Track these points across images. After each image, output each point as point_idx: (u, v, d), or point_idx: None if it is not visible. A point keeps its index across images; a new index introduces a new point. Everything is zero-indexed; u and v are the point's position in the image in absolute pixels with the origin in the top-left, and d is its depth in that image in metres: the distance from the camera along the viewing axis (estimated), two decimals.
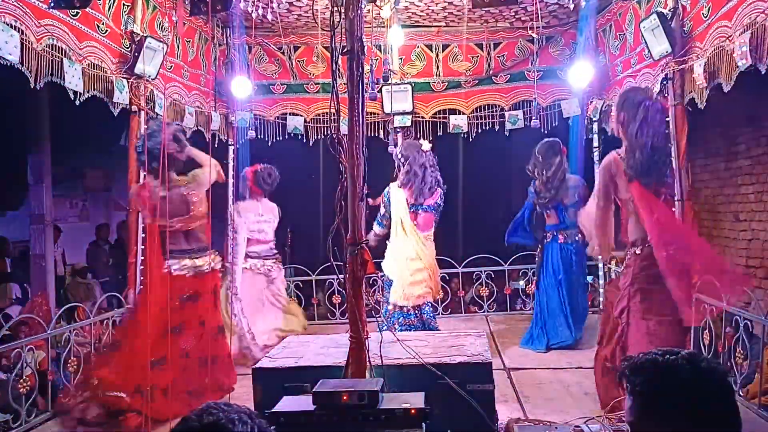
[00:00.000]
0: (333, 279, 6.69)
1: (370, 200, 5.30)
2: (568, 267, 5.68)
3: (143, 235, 4.76)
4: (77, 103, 4.19)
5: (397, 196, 5.32)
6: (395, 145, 6.70)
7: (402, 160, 5.36)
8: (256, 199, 5.81)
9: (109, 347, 4.18)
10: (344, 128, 3.06)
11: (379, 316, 5.32)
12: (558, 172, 5.63)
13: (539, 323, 5.66)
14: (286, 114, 6.92)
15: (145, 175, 4.48)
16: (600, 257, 4.21)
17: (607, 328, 3.92)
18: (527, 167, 5.83)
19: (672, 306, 3.63)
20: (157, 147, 4.01)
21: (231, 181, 6.58)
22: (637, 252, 3.76)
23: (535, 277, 6.02)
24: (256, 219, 5.76)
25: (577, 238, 5.65)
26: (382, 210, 5.42)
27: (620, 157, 3.78)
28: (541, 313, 5.68)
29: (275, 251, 5.95)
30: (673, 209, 4.36)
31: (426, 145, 5.46)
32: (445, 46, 6.86)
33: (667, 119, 4.24)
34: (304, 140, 6.91)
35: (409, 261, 5.23)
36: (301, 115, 6.92)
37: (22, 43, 3.56)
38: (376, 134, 6.88)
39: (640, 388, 1.38)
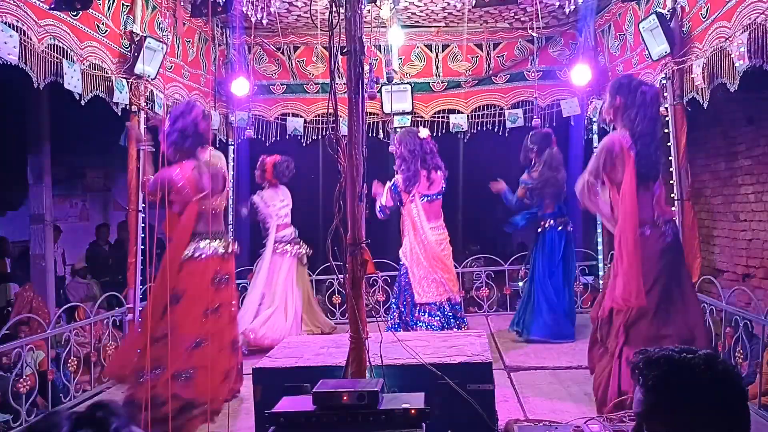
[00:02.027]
0: (333, 279, 6.69)
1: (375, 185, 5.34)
2: (564, 256, 5.68)
3: (143, 235, 4.74)
4: (82, 103, 4.20)
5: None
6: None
7: (397, 145, 5.37)
8: (275, 187, 6.04)
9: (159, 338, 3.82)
10: (344, 128, 3.06)
11: (380, 316, 5.32)
12: (553, 161, 5.65)
13: (528, 310, 5.65)
14: (285, 114, 6.93)
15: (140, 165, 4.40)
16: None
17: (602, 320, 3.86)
18: (521, 156, 5.84)
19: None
20: (191, 126, 3.97)
21: (231, 180, 6.58)
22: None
23: (528, 265, 5.97)
24: (281, 205, 6.04)
25: (570, 228, 5.67)
26: (386, 200, 5.36)
27: (624, 141, 3.66)
28: (532, 303, 5.64)
29: (297, 234, 6.19)
30: (673, 209, 4.36)
31: (424, 132, 5.45)
32: (444, 47, 6.86)
33: (662, 107, 4.21)
34: (304, 140, 6.92)
35: (420, 256, 5.22)
36: (301, 116, 6.92)
37: (24, 44, 3.57)
38: (376, 134, 6.88)
39: (653, 382, 1.36)
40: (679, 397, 1.33)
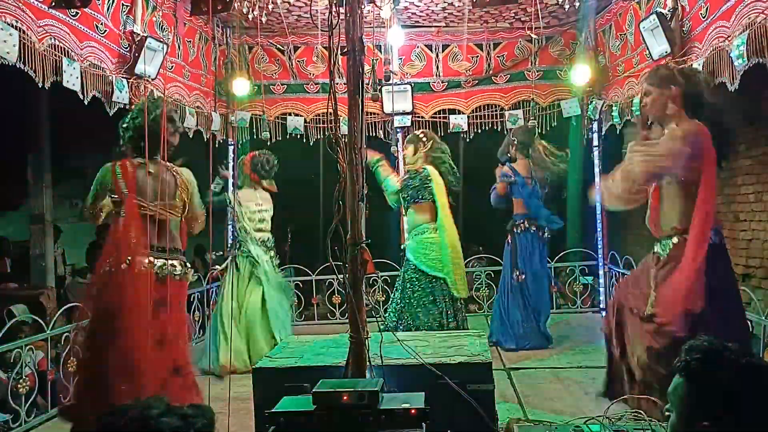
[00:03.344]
0: (333, 279, 6.69)
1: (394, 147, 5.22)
2: (539, 260, 5.64)
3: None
4: (85, 102, 4.19)
5: (437, 177, 5.10)
6: (396, 145, 6.72)
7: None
8: (254, 188, 5.66)
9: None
10: (344, 128, 3.07)
11: (380, 317, 5.32)
12: (536, 157, 5.62)
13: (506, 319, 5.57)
14: (286, 114, 6.93)
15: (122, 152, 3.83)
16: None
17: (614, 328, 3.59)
18: (500, 150, 5.80)
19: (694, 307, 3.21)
20: (151, 123, 3.51)
21: (231, 181, 6.58)
22: (675, 242, 3.32)
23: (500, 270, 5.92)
24: (257, 209, 5.65)
25: (546, 230, 5.63)
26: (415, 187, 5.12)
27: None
28: (508, 310, 5.58)
29: (273, 242, 5.81)
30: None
31: None
32: (444, 46, 6.86)
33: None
34: (304, 140, 6.92)
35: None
36: (301, 115, 6.92)
37: (24, 44, 3.57)
38: (376, 134, 6.89)
39: (695, 368, 1.36)
40: (717, 387, 1.32)
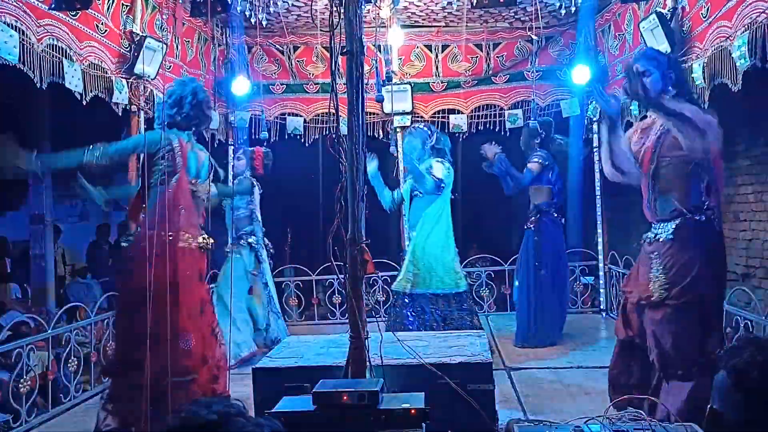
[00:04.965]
0: (333, 279, 6.69)
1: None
2: (560, 253, 5.57)
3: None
4: (84, 103, 4.19)
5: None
6: (395, 145, 6.72)
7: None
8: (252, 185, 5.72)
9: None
10: (344, 128, 3.07)
11: (379, 316, 5.31)
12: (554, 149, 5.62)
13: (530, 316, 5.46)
14: (285, 114, 6.93)
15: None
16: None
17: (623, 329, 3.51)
18: (523, 141, 5.74)
19: (703, 290, 3.21)
20: (196, 103, 3.71)
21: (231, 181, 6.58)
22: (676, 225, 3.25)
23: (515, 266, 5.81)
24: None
25: (563, 220, 5.57)
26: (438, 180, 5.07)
27: None
28: (530, 306, 5.45)
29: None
30: None
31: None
32: (444, 47, 6.86)
33: None
34: (303, 140, 6.92)
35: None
36: (301, 115, 6.92)
37: (23, 44, 3.57)
38: (376, 134, 6.89)
39: (743, 360, 1.33)
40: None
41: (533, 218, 5.54)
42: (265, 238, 5.72)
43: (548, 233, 5.47)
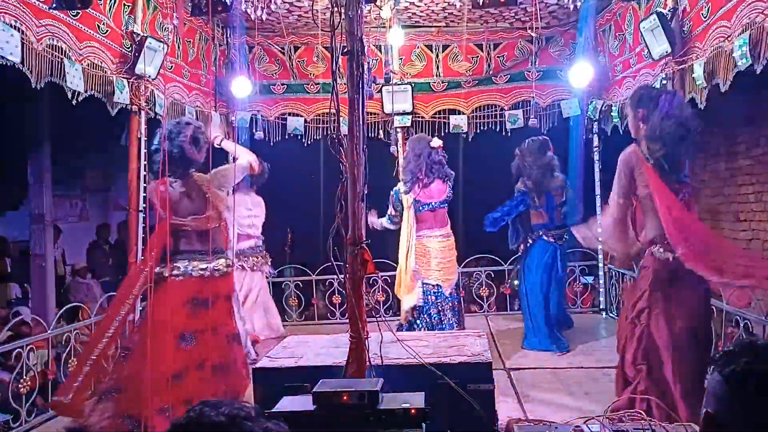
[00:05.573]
0: (333, 279, 6.69)
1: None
2: (552, 268, 5.55)
3: (143, 236, 4.73)
4: (74, 103, 4.17)
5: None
6: (396, 145, 6.72)
7: (407, 149, 5.43)
8: (246, 193, 5.64)
9: (121, 356, 3.87)
10: (344, 128, 3.07)
11: (379, 316, 5.31)
12: (547, 171, 5.53)
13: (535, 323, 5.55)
14: (286, 114, 6.93)
15: (148, 175, 4.30)
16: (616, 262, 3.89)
17: (624, 334, 3.60)
18: (512, 165, 5.68)
19: (694, 305, 3.42)
20: (176, 149, 3.83)
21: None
22: (656, 251, 3.49)
23: (517, 280, 5.90)
24: (247, 213, 5.63)
25: (565, 238, 5.54)
26: (390, 210, 5.37)
27: (640, 150, 3.51)
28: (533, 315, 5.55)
29: (263, 247, 5.85)
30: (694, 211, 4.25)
31: (436, 141, 5.41)
32: (445, 47, 6.87)
33: (687, 112, 3.77)
34: (304, 140, 6.92)
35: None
36: (301, 115, 6.93)
37: (22, 43, 3.57)
38: (376, 134, 6.88)
39: (741, 367, 1.28)
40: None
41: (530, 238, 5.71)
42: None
43: (533, 252, 5.60)
